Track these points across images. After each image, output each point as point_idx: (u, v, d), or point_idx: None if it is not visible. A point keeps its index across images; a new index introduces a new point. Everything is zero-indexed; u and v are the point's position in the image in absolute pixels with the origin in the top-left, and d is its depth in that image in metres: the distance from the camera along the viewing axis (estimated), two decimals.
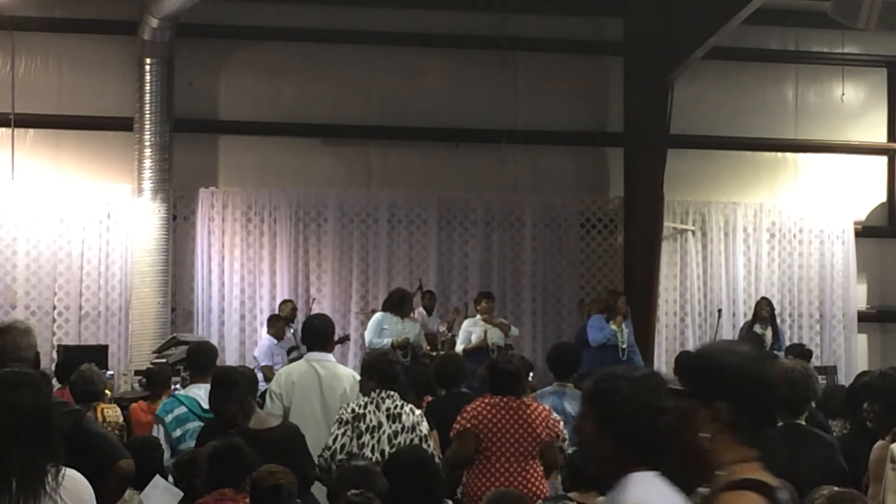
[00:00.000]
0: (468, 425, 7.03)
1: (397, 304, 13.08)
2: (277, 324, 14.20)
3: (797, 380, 5.92)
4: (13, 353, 5.41)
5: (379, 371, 7.07)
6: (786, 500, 2.86)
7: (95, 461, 4.94)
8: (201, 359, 7.86)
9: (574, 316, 15.75)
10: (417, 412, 7.13)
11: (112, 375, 12.80)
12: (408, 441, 6.88)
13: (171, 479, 6.78)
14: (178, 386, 10.61)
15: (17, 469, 3.48)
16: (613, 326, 13.24)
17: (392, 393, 7.03)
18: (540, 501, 6.87)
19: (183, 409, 7.51)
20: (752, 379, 2.89)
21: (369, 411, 6.94)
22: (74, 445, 4.06)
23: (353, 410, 6.97)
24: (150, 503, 6.10)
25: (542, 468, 7.16)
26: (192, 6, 13.38)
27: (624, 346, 13.17)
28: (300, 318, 14.17)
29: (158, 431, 7.51)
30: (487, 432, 7.01)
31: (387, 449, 6.84)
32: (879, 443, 5.84)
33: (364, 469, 5.99)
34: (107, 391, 10.45)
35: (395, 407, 6.98)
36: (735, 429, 2.86)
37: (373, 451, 6.87)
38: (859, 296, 16.86)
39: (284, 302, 14.87)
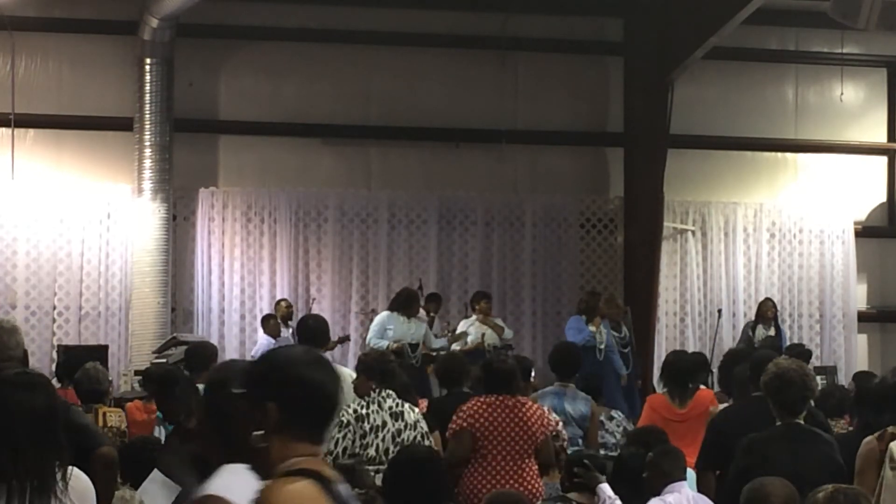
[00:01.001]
0: (465, 424, 7.03)
1: (404, 303, 13.10)
2: (271, 322, 14.22)
3: (793, 380, 5.93)
4: (1, 352, 5.41)
5: (381, 371, 7.09)
6: (347, 494, 2.99)
7: (79, 452, 4.93)
8: (199, 359, 7.88)
9: None
10: (416, 410, 7.17)
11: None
12: (411, 438, 6.93)
13: None
14: None
15: (31, 469, 3.47)
16: (592, 328, 13.24)
17: (390, 392, 7.06)
18: (539, 502, 6.88)
19: None
20: (298, 382, 3.03)
21: (372, 411, 6.97)
22: None
23: (354, 411, 6.98)
24: (147, 496, 6.10)
25: (536, 466, 7.17)
26: (192, 6, 13.38)
27: (602, 346, 13.18)
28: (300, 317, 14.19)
29: (160, 433, 7.53)
30: (484, 431, 7.01)
31: (391, 447, 6.86)
32: (867, 439, 5.87)
33: (351, 468, 6.00)
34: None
35: (396, 405, 7.03)
36: (290, 428, 2.99)
37: (377, 450, 6.89)
38: (859, 296, 16.86)
39: (279, 301, 14.84)
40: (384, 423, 6.95)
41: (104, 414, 8.11)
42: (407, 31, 15.65)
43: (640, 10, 15.25)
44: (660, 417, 7.95)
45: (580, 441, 8.31)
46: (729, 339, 15.90)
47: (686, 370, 8.22)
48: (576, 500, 6.49)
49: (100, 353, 13.10)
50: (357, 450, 6.88)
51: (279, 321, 14.38)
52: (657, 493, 6.12)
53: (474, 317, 14.07)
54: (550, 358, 8.92)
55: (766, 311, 14.93)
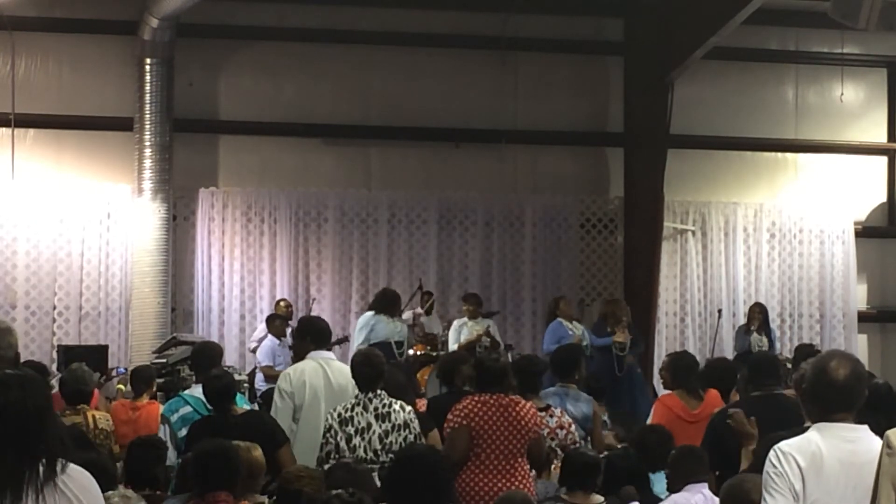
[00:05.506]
0: (463, 422, 7.03)
1: (387, 304, 13.13)
2: (276, 322, 14.18)
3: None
4: None
5: (370, 376, 7.10)
6: None
7: None
8: (204, 358, 7.89)
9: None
10: (408, 409, 7.13)
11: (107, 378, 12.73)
12: (400, 439, 6.91)
13: (173, 479, 6.80)
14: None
15: (22, 467, 3.45)
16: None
17: (380, 392, 7.05)
18: (536, 500, 6.88)
19: (188, 408, 7.55)
20: None
21: (356, 413, 6.97)
22: None
23: (339, 415, 6.99)
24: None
25: (528, 465, 7.17)
26: (192, 6, 13.37)
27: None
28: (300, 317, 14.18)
29: (164, 431, 7.54)
30: (479, 429, 7.02)
31: (378, 448, 6.88)
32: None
33: (353, 468, 6.00)
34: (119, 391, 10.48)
35: (384, 406, 7.01)
36: None
37: (365, 451, 6.90)
38: (859, 296, 16.86)
39: (279, 301, 14.81)
40: (369, 425, 6.95)
41: (93, 417, 8.04)
42: (406, 31, 15.64)
43: (640, 10, 15.25)
44: (674, 416, 7.85)
45: (582, 442, 8.31)
46: (729, 340, 15.90)
47: (696, 370, 8.20)
48: (570, 500, 6.49)
49: (100, 353, 13.13)
50: (345, 453, 6.88)
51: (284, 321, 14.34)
52: (677, 492, 6.14)
53: (465, 318, 14.11)
54: (552, 359, 8.93)
55: (754, 317, 14.87)
